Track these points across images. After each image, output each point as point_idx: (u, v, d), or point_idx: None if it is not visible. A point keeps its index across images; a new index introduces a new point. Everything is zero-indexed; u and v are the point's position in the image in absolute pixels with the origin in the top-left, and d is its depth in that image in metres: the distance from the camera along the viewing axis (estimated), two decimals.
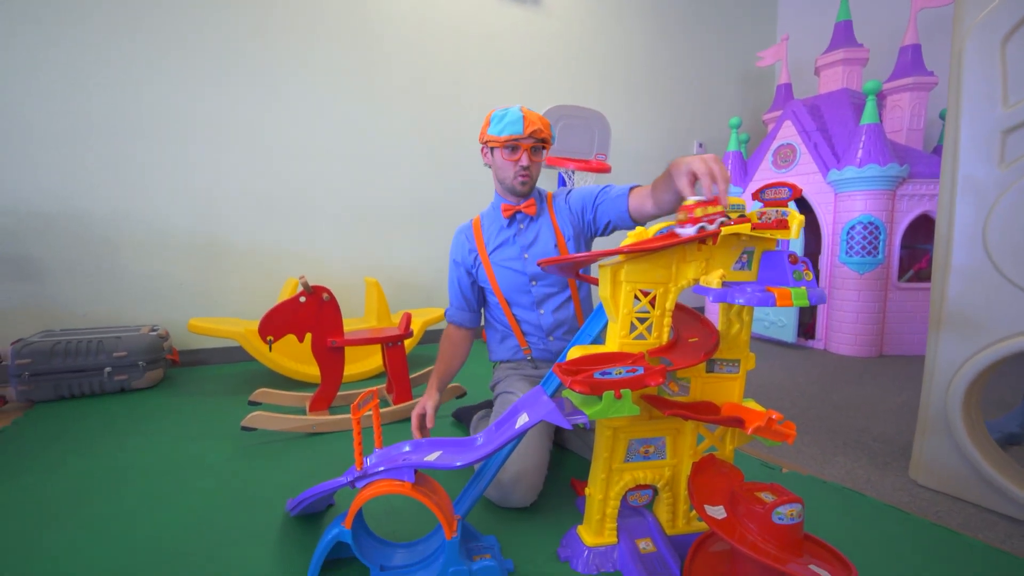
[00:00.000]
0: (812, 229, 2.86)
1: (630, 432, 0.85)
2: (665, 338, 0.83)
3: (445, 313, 1.39)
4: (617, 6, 3.28)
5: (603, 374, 0.71)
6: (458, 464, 0.77)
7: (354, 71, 2.52)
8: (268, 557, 0.89)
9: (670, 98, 3.55)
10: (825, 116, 2.76)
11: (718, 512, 0.77)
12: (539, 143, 1.21)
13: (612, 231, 1.25)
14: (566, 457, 1.32)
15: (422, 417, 1.21)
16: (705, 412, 0.81)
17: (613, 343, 0.83)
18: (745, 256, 0.82)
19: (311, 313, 1.53)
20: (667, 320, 0.83)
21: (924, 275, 2.63)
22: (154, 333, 1.92)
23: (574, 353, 0.83)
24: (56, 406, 1.70)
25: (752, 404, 0.84)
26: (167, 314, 2.20)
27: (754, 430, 0.75)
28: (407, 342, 2.13)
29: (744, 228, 0.76)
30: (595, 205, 1.24)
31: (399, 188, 2.67)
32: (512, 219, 1.28)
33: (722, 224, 0.75)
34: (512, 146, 1.19)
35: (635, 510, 0.92)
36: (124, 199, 2.10)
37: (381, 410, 1.53)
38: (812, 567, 0.69)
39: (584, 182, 2.93)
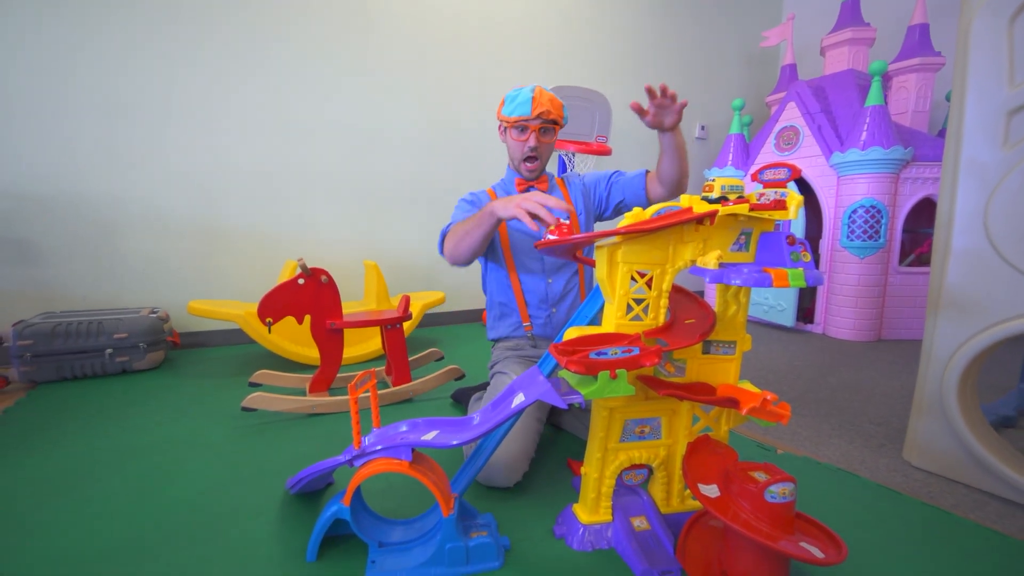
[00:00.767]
0: (813, 213, 2.84)
1: (626, 412, 0.86)
2: (662, 319, 0.83)
3: (448, 226, 1.25)
4: None
5: (599, 354, 0.72)
6: (455, 443, 0.78)
7: (353, 51, 2.48)
8: (268, 533, 0.90)
9: (672, 79, 3.49)
10: (830, 98, 2.73)
11: (712, 491, 0.78)
12: (548, 124, 1.22)
13: (620, 212, 1.30)
14: (562, 437, 1.33)
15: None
16: (700, 393, 0.82)
17: (609, 324, 0.83)
18: (743, 237, 0.81)
19: (310, 295, 1.53)
20: (663, 301, 0.83)
21: (925, 259, 2.62)
22: (154, 315, 1.93)
23: (570, 334, 0.83)
24: (59, 387, 1.72)
25: (748, 385, 0.85)
26: (167, 296, 2.20)
27: (748, 411, 0.75)
28: (406, 325, 2.14)
29: (742, 209, 0.76)
30: (609, 183, 1.31)
31: (398, 170, 2.65)
32: (526, 192, 1.30)
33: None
34: (520, 127, 1.22)
35: (630, 489, 0.93)
36: (121, 181, 2.09)
37: (380, 392, 1.54)
38: (803, 544, 0.71)
39: (585, 165, 2.90)
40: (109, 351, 1.80)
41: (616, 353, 0.72)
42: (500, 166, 1.89)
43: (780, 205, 0.77)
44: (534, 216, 0.96)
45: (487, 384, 1.47)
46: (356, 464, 0.83)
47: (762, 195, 0.79)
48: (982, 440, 1.08)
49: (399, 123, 2.63)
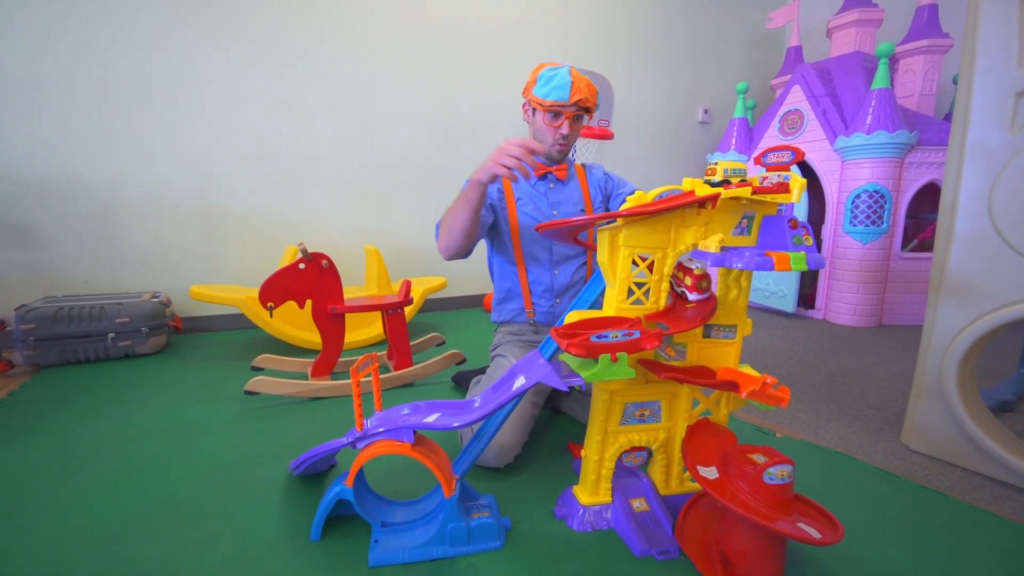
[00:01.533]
0: (816, 198, 2.82)
1: (626, 395, 0.86)
2: (663, 303, 0.83)
3: (436, 227, 1.24)
4: None
5: (600, 337, 0.72)
6: (456, 425, 0.78)
7: (353, 32, 2.44)
8: (273, 513, 0.92)
9: (675, 61, 3.44)
10: (835, 80, 2.69)
11: (710, 472, 0.78)
12: (583, 111, 1.18)
13: None
14: (562, 420, 1.34)
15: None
16: (700, 376, 0.82)
17: (610, 308, 0.83)
18: (745, 221, 0.81)
19: (311, 280, 1.53)
20: (664, 285, 0.83)
21: (928, 245, 2.61)
22: (156, 300, 1.93)
23: (571, 318, 0.84)
24: (62, 371, 1.73)
25: (748, 370, 0.85)
26: (168, 281, 2.20)
27: (748, 394, 0.76)
28: (407, 309, 2.14)
29: (744, 192, 0.75)
30: (619, 196, 1.28)
31: (399, 154, 2.63)
32: (544, 177, 1.28)
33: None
34: (555, 112, 1.17)
35: (629, 471, 0.94)
36: (121, 165, 2.08)
37: (382, 376, 1.55)
38: (800, 525, 0.71)
39: (586, 150, 2.88)
40: (112, 335, 1.81)
41: (617, 336, 0.72)
42: None
43: (783, 188, 0.76)
44: (520, 164, 0.95)
45: (487, 367, 1.47)
46: (359, 446, 0.84)
47: (765, 178, 0.78)
48: (980, 424, 1.09)
49: (400, 106, 2.60)
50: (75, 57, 1.96)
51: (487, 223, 1.25)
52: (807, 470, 1.09)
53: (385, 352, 1.80)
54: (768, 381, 0.77)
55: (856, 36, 2.75)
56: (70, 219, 2.02)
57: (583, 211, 1.27)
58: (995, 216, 1.04)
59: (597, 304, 0.91)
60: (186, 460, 1.12)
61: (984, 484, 1.07)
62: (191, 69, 2.15)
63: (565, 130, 1.18)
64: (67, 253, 2.04)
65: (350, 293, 2.07)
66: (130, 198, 2.11)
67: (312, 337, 1.98)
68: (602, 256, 0.82)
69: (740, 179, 0.78)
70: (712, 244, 0.74)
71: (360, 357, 0.82)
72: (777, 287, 2.80)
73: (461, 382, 1.57)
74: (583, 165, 1.34)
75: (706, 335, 0.86)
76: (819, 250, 2.68)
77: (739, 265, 0.72)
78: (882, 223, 2.43)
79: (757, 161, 0.81)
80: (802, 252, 0.73)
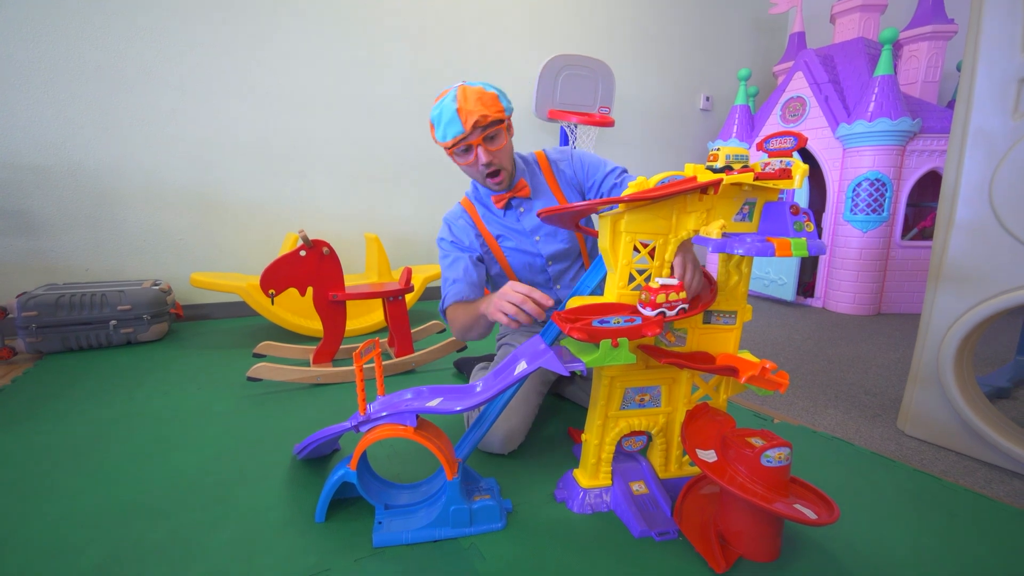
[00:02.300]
0: (817, 186, 2.82)
1: (626, 380, 0.87)
2: None
3: (444, 299, 1.16)
4: None
5: (601, 322, 0.72)
6: (458, 409, 0.79)
7: (353, 19, 2.42)
8: (277, 496, 0.93)
9: (676, 48, 3.41)
10: (838, 67, 2.67)
11: (709, 456, 0.80)
12: (492, 127, 1.04)
13: None
14: (564, 406, 1.35)
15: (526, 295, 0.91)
16: (700, 362, 0.83)
17: (612, 294, 0.83)
18: (746, 207, 0.81)
19: (312, 267, 1.53)
20: (665, 271, 0.83)
21: (928, 233, 2.61)
22: (156, 287, 1.94)
23: (573, 303, 0.84)
24: (65, 357, 1.74)
25: (747, 355, 0.86)
26: (168, 268, 2.21)
27: (747, 379, 0.77)
28: (408, 297, 2.14)
29: (747, 178, 0.75)
30: (612, 184, 1.13)
31: (399, 143, 2.62)
32: (507, 206, 1.17)
33: (682, 311, 0.76)
34: (463, 148, 1.05)
35: (629, 455, 0.96)
36: (121, 151, 2.07)
37: (383, 363, 1.56)
38: (796, 506, 0.73)
39: (587, 137, 2.87)
40: (113, 323, 1.81)
41: (619, 322, 0.73)
42: None
43: (785, 174, 0.76)
44: (519, 312, 0.89)
45: (490, 356, 1.49)
46: (362, 430, 0.85)
47: (767, 164, 0.78)
48: (975, 409, 1.10)
49: (400, 94, 2.58)
50: (74, 42, 1.93)
51: (484, 271, 1.21)
52: (804, 455, 1.11)
53: (386, 339, 1.80)
54: (767, 366, 0.78)
55: (860, 22, 2.73)
56: (70, 206, 2.02)
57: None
58: (996, 203, 1.04)
59: (599, 290, 0.91)
60: (190, 445, 1.13)
61: (978, 468, 1.09)
62: (192, 56, 2.13)
63: (484, 159, 1.05)
64: (67, 240, 2.03)
65: (350, 281, 2.08)
66: (130, 185, 2.10)
67: (313, 324, 1.99)
68: (603, 242, 0.82)
69: (742, 165, 0.78)
70: (714, 230, 0.74)
71: (363, 342, 0.82)
72: (777, 275, 2.80)
73: (463, 368, 1.58)
74: (550, 161, 1.20)
75: (706, 321, 0.87)
76: (819, 238, 2.68)
77: (740, 251, 0.72)
78: (883, 211, 2.43)
79: (759, 147, 0.81)
80: (803, 238, 0.73)
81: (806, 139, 0.77)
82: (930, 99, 2.67)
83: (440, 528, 0.82)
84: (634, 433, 0.91)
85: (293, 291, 1.55)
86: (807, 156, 2.69)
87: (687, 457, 0.95)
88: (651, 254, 0.82)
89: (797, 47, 3.10)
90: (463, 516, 0.82)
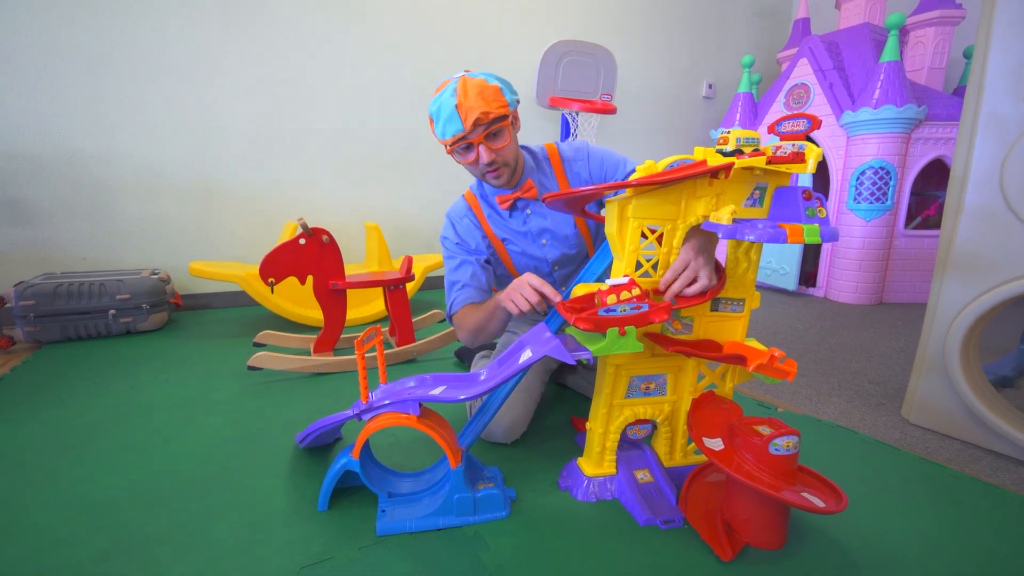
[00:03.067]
0: (820, 175, 2.79)
1: (632, 369, 0.86)
2: None
3: (452, 305, 1.11)
4: None
5: (607, 311, 0.71)
6: (462, 397, 0.78)
7: (352, 4, 2.37)
8: (280, 484, 0.92)
9: (678, 35, 3.35)
10: (843, 53, 2.63)
11: (716, 444, 0.79)
12: (495, 124, 0.96)
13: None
14: (566, 395, 1.34)
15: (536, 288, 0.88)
16: (708, 350, 0.82)
17: None
18: (757, 192, 0.80)
19: (312, 255, 1.52)
20: (673, 258, 0.81)
21: (932, 222, 2.59)
22: (155, 276, 1.92)
23: (579, 291, 0.83)
24: (64, 347, 1.73)
25: (754, 343, 0.85)
26: (166, 258, 2.19)
27: (756, 367, 0.76)
28: (409, 286, 2.13)
29: (759, 161, 0.74)
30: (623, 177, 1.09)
31: (398, 131, 2.58)
32: (513, 207, 1.11)
33: (639, 312, 0.71)
34: (463, 147, 0.98)
35: (634, 443, 0.95)
36: (118, 139, 2.04)
37: (384, 352, 1.55)
38: (805, 494, 0.72)
39: (588, 125, 2.83)
40: (112, 312, 1.80)
41: (625, 310, 0.71)
42: None
43: (799, 158, 0.74)
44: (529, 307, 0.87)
45: (492, 345, 1.47)
46: (364, 418, 0.84)
47: (779, 148, 0.76)
48: (981, 397, 1.09)
49: (401, 82, 2.54)
50: (68, 29, 1.90)
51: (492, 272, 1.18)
52: (809, 443, 1.10)
53: (387, 329, 1.79)
54: (776, 354, 0.76)
55: (866, 7, 2.68)
56: (67, 194, 1.99)
57: (575, 227, 1.11)
58: (1007, 189, 1.03)
59: (604, 277, 0.90)
60: (191, 434, 1.12)
61: (983, 456, 1.08)
62: (189, 43, 2.09)
63: (485, 158, 0.97)
64: (64, 229, 2.01)
65: (350, 270, 2.06)
66: (127, 173, 2.08)
67: (313, 314, 1.97)
68: (610, 228, 0.80)
69: (753, 149, 0.76)
70: (724, 215, 0.73)
71: (365, 330, 0.81)
72: (779, 265, 2.79)
73: (464, 357, 1.57)
74: (563, 160, 1.12)
75: (714, 309, 0.86)
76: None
77: (751, 237, 0.71)
78: (886, 200, 2.41)
79: (771, 130, 0.79)
80: (816, 224, 0.72)
81: (820, 121, 0.75)
82: (936, 86, 2.64)
83: (444, 516, 0.81)
84: (639, 421, 0.90)
85: (293, 280, 1.53)
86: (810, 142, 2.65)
87: (692, 445, 0.94)
88: (659, 240, 0.80)
89: (801, 33, 3.06)
90: (467, 504, 0.82)
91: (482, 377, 0.83)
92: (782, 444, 0.73)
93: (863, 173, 2.43)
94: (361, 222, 2.52)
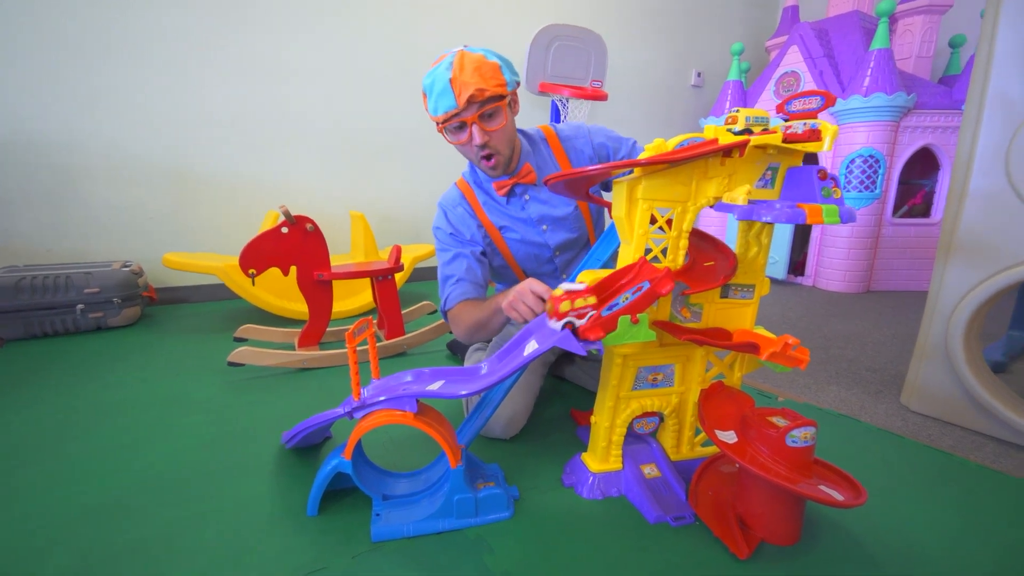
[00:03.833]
0: (809, 163, 2.79)
1: (639, 360, 0.82)
2: (680, 262, 0.78)
3: (447, 301, 1.06)
4: None
5: (610, 308, 0.67)
6: (463, 393, 0.73)
7: None
8: (265, 489, 0.87)
9: (667, 21, 3.31)
10: (833, 41, 2.62)
11: (729, 436, 0.75)
12: (490, 103, 0.91)
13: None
14: (564, 388, 1.30)
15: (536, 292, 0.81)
16: (718, 338, 0.78)
17: None
18: (769, 173, 0.76)
19: (295, 244, 1.44)
20: (683, 243, 0.77)
21: (917, 211, 2.61)
22: (127, 269, 1.82)
23: (583, 278, 0.78)
24: (28, 344, 1.63)
25: (763, 331, 0.82)
26: (138, 249, 2.08)
27: (769, 356, 0.72)
28: (398, 277, 2.07)
29: (775, 139, 0.70)
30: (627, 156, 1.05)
31: (383, 117, 2.50)
32: (511, 193, 1.06)
33: (593, 319, 0.67)
34: (455, 125, 0.92)
35: (639, 437, 0.91)
36: (82, 123, 1.92)
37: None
38: (822, 487, 0.69)
39: (578, 112, 2.78)
40: (80, 307, 1.70)
41: (628, 299, 0.67)
42: None
43: (814, 136, 0.71)
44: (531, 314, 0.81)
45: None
46: (356, 416, 0.79)
47: (789, 127, 0.73)
48: (984, 384, 1.08)
49: (387, 67, 2.45)
50: (34, 8, 1.77)
51: (488, 265, 1.13)
52: None
53: (376, 321, 1.73)
54: (789, 341, 0.73)
55: None
56: (27, 182, 1.87)
57: (576, 209, 1.06)
58: (1012, 173, 1.01)
59: (610, 264, 0.85)
60: (170, 435, 1.05)
61: (986, 443, 1.07)
62: (162, 19, 1.97)
63: (478, 139, 0.92)
64: (27, 219, 1.89)
65: (335, 261, 1.98)
66: (93, 160, 1.96)
67: (296, 307, 1.90)
68: (618, 210, 0.76)
69: (762, 128, 0.72)
70: (739, 196, 0.69)
71: (356, 322, 0.76)
72: (770, 253, 2.78)
73: (456, 350, 1.52)
74: (561, 139, 1.07)
75: (723, 295, 0.82)
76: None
77: (768, 218, 0.67)
78: (875, 188, 2.41)
79: (780, 109, 0.75)
80: (834, 204, 0.68)
81: (834, 99, 0.71)
82: (923, 75, 2.65)
83: (444, 519, 0.77)
84: (646, 414, 0.86)
85: (275, 271, 1.45)
86: None
87: (699, 438, 0.91)
88: (668, 223, 0.76)
89: (791, 21, 3.04)
90: (468, 506, 0.77)
91: (483, 370, 0.78)
92: (799, 436, 0.70)
93: (852, 161, 2.43)
94: (346, 211, 2.44)
